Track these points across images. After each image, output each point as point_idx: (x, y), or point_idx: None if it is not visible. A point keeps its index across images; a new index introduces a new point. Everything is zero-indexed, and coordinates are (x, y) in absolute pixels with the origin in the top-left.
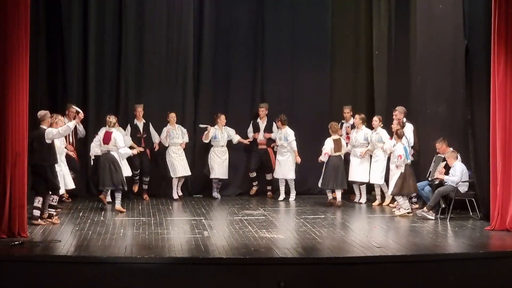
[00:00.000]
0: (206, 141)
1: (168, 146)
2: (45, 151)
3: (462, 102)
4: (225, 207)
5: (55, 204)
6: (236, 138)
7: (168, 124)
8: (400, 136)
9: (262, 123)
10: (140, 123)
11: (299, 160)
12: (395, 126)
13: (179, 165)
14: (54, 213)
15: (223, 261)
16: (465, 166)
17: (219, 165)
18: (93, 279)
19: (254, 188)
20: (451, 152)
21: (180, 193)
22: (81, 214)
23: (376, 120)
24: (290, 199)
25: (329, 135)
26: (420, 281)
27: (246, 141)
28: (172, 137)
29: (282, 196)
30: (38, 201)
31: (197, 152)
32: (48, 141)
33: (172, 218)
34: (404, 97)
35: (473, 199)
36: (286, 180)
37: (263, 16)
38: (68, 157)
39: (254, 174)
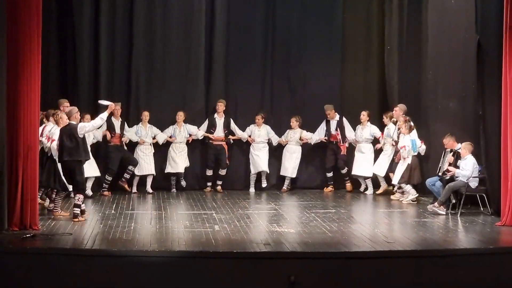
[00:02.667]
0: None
1: (137, 144)
2: (78, 146)
3: (474, 98)
4: (235, 201)
5: (81, 203)
6: (200, 133)
7: (140, 122)
8: (409, 129)
9: (219, 119)
10: (117, 121)
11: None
12: (402, 123)
13: (144, 163)
14: (79, 212)
15: (233, 255)
16: (476, 161)
17: (175, 160)
18: (104, 272)
19: (209, 188)
20: (466, 144)
21: (151, 190)
22: (92, 207)
23: (385, 117)
24: (263, 186)
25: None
26: (430, 276)
27: (211, 136)
28: (139, 135)
29: (253, 189)
30: (77, 199)
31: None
32: (81, 135)
33: (183, 212)
34: (415, 92)
35: (484, 195)
36: (260, 173)
37: (274, 11)
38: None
39: (210, 172)
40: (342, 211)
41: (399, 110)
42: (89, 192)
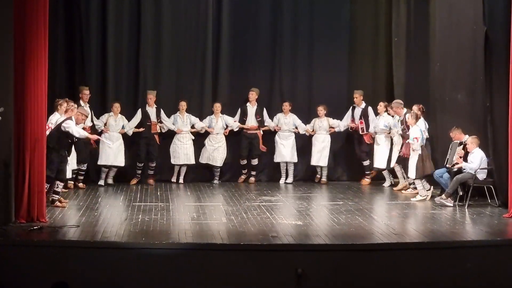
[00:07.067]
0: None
1: (175, 133)
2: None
3: (482, 89)
4: (242, 193)
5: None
6: (236, 125)
7: (178, 112)
8: (416, 118)
9: (251, 107)
10: (152, 110)
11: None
12: (416, 110)
13: (181, 153)
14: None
15: (240, 247)
16: (484, 153)
17: (211, 152)
18: (111, 264)
19: (243, 177)
20: (472, 137)
21: (181, 181)
22: (99, 200)
23: (389, 108)
24: (288, 180)
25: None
26: (438, 268)
27: (245, 126)
28: (176, 124)
29: (283, 179)
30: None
31: (230, 138)
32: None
33: (190, 204)
34: (423, 84)
35: (492, 186)
36: (286, 163)
37: (281, 3)
38: (81, 146)
39: (245, 162)
40: (350, 203)
41: (395, 108)
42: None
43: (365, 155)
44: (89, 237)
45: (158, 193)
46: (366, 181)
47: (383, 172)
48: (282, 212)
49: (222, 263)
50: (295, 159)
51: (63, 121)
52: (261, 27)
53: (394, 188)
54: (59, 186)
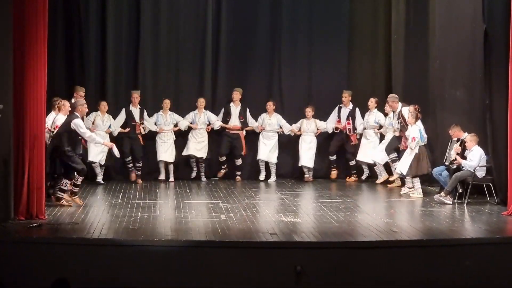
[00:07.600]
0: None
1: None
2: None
3: (481, 87)
4: (242, 191)
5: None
6: (218, 124)
7: (161, 110)
8: (415, 118)
9: (235, 107)
10: (135, 110)
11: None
12: (412, 111)
13: (162, 151)
14: (64, 196)
15: (240, 245)
16: (483, 151)
17: (195, 145)
18: (111, 262)
19: (223, 171)
20: (471, 135)
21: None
22: (98, 197)
23: (386, 106)
24: (270, 180)
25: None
26: (436, 265)
27: (227, 126)
28: (159, 123)
29: (263, 176)
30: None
31: (212, 136)
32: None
33: (189, 201)
34: (422, 82)
35: (491, 184)
36: (267, 163)
37: (281, 2)
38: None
39: (223, 158)
40: (349, 201)
41: (392, 102)
42: None
43: (351, 155)
44: (88, 234)
45: (157, 191)
46: (352, 179)
47: (374, 168)
48: (281, 209)
49: (221, 260)
50: (275, 160)
51: (69, 120)
52: (260, 25)
53: (377, 182)
54: (67, 184)
